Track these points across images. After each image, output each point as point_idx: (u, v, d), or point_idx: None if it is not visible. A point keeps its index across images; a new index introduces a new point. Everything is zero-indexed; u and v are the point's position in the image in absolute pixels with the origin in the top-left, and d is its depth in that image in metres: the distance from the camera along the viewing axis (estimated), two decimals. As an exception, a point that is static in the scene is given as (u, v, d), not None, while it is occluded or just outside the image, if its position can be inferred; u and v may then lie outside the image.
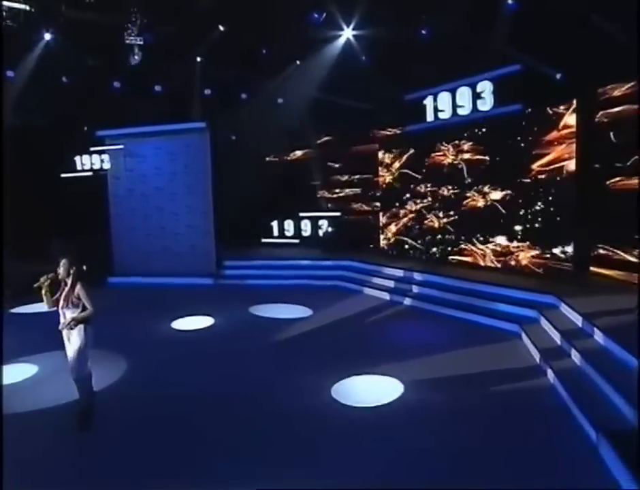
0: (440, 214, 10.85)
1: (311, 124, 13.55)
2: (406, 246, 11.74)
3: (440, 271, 9.92)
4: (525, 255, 9.21)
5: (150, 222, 12.40)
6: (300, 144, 14.30)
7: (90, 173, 12.42)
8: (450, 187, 10.59)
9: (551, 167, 8.67)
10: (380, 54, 11.83)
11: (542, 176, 8.81)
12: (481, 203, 9.99)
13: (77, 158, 12.39)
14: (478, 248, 10.06)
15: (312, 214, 13.67)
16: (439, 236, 10.90)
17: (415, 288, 9.72)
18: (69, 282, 4.85)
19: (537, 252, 9.02)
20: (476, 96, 9.86)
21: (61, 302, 4.85)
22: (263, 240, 14.17)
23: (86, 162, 12.41)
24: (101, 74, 12.28)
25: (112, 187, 12.55)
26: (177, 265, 12.20)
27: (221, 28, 10.69)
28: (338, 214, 13.43)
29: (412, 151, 11.43)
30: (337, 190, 13.75)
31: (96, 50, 11.89)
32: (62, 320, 4.85)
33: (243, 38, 11.40)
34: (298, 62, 12.90)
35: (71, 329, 4.83)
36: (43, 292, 4.78)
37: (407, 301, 9.46)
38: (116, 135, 12.30)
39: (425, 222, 11.21)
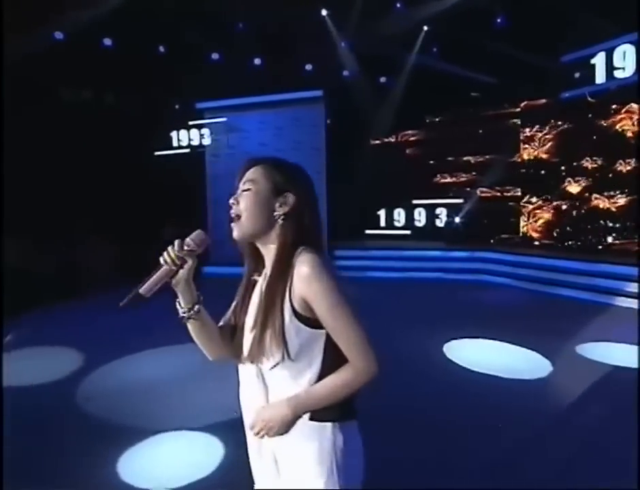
0: (616, 194, 8.90)
1: (428, 100, 11.81)
2: (563, 234, 9.83)
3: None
4: None
5: (252, 207, 10.92)
6: (414, 124, 12.60)
7: (187, 150, 11.11)
8: (630, 161, 8.66)
9: None
10: (522, 10, 10.05)
11: None
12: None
13: (173, 134, 11.13)
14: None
15: (428, 202, 11.90)
16: (612, 223, 8.95)
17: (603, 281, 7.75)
18: (268, 266, 1.40)
19: None
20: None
21: (248, 340, 1.40)
22: (367, 232, 12.51)
23: (183, 138, 11.11)
24: (201, 42, 10.94)
25: (210, 166, 11.17)
26: (281, 255, 10.67)
27: None
28: (461, 200, 11.62)
29: (570, 121, 9.59)
30: (463, 174, 11.94)
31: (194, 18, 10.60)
32: (248, 390, 1.46)
33: None
34: (425, 27, 11.22)
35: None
36: (178, 288, 1.38)
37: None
38: (217, 108, 10.95)
39: (591, 205, 9.28)
